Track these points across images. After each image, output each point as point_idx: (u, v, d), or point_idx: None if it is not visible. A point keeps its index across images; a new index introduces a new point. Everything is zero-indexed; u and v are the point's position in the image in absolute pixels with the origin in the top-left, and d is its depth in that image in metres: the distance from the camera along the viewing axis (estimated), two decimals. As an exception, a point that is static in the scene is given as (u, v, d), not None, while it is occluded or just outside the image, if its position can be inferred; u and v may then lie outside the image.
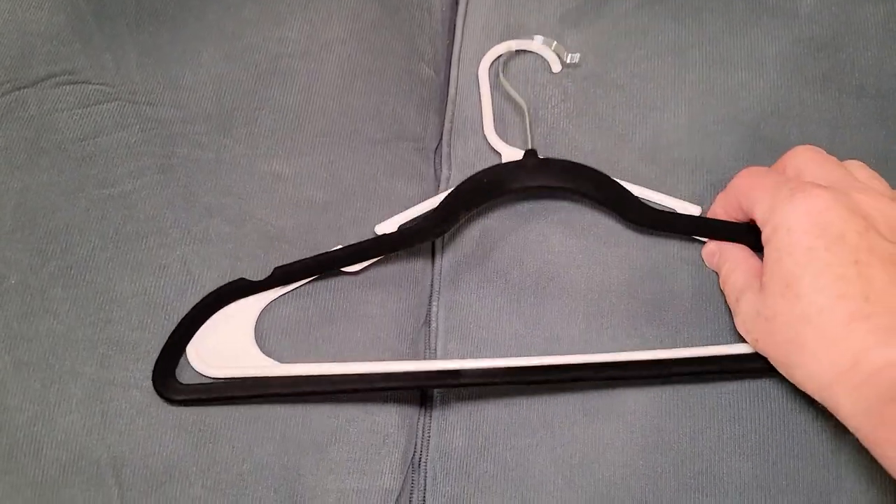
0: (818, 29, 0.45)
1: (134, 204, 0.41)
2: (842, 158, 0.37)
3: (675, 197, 0.41)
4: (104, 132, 0.43)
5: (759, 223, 0.35)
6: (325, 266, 0.40)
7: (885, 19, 0.45)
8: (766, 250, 0.34)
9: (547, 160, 0.41)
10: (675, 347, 0.38)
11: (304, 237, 0.42)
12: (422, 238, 0.41)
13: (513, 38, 0.48)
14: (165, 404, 0.38)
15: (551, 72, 0.46)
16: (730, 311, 0.38)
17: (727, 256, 0.38)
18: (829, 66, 0.44)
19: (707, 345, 0.38)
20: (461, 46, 0.51)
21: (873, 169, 0.36)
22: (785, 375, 0.34)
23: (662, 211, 0.40)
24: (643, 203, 0.40)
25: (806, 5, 0.45)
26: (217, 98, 0.45)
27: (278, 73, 0.46)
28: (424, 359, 0.43)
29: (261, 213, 0.42)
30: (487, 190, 0.40)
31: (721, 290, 0.39)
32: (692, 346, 0.38)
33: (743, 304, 0.35)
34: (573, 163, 0.40)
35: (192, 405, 0.38)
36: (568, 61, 0.46)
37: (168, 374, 0.38)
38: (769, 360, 0.35)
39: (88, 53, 0.45)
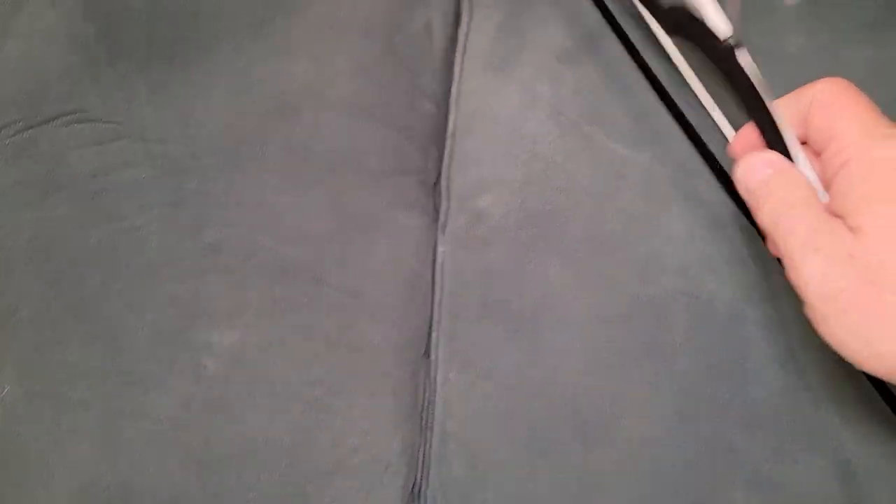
0: (806, 69, 0.46)
1: (144, 237, 0.43)
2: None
3: None
4: (115, 168, 0.44)
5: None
6: None
7: (870, 59, 0.46)
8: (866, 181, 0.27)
9: None
10: (671, 379, 0.39)
11: (310, 268, 0.43)
12: None
13: (509, 72, 0.49)
14: (174, 434, 0.39)
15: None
16: (726, 334, 0.38)
17: (788, 182, 0.29)
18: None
19: (703, 378, 0.39)
20: (460, 83, 0.53)
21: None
22: (862, 353, 0.26)
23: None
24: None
25: (794, 46, 0.47)
26: (225, 133, 0.46)
27: (285, 107, 0.47)
28: (425, 389, 0.44)
29: (268, 246, 0.43)
30: None
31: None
32: (688, 377, 0.39)
33: (825, 245, 0.26)
34: None
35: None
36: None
37: None
38: (844, 329, 0.26)
39: (100, 92, 0.46)
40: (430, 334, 0.45)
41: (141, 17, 0.49)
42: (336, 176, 0.46)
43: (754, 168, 0.29)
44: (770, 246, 0.31)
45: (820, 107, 0.29)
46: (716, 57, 0.31)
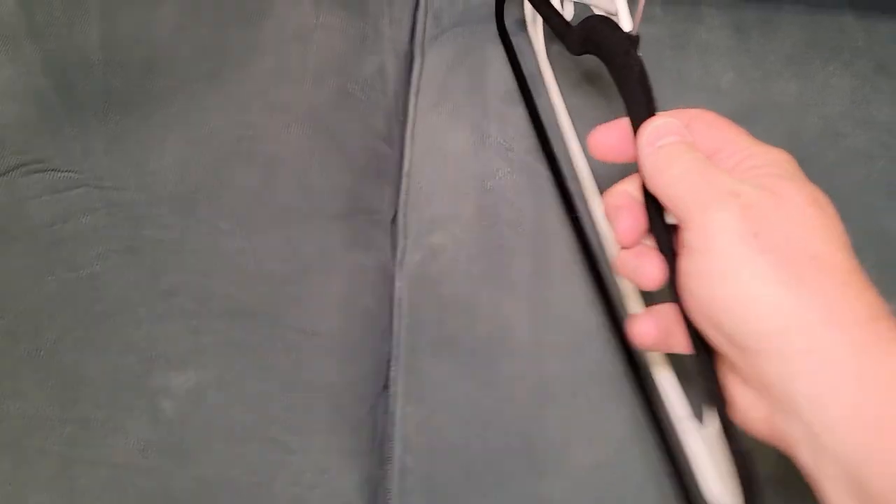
0: (738, 103, 0.49)
1: (102, 285, 0.43)
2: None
3: None
4: (72, 217, 0.45)
5: None
6: None
7: (795, 92, 0.49)
8: None
9: None
10: (619, 404, 0.41)
11: (266, 309, 0.44)
12: None
13: (460, 113, 0.51)
14: (132, 480, 0.39)
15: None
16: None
17: (691, 146, 0.29)
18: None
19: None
20: (414, 123, 0.55)
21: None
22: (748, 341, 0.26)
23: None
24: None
25: (726, 81, 0.49)
26: (181, 181, 0.47)
27: (240, 154, 0.49)
28: (383, 423, 0.45)
29: (224, 290, 0.44)
30: None
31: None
32: (636, 403, 0.41)
33: (740, 192, 0.27)
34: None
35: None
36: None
37: None
38: (752, 270, 0.25)
39: (57, 143, 0.47)
40: (388, 368, 0.46)
41: (98, 70, 0.50)
42: (291, 219, 0.47)
43: (661, 132, 0.29)
44: (671, 209, 0.29)
45: (705, 122, 0.30)
46: (618, 51, 0.33)
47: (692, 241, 0.27)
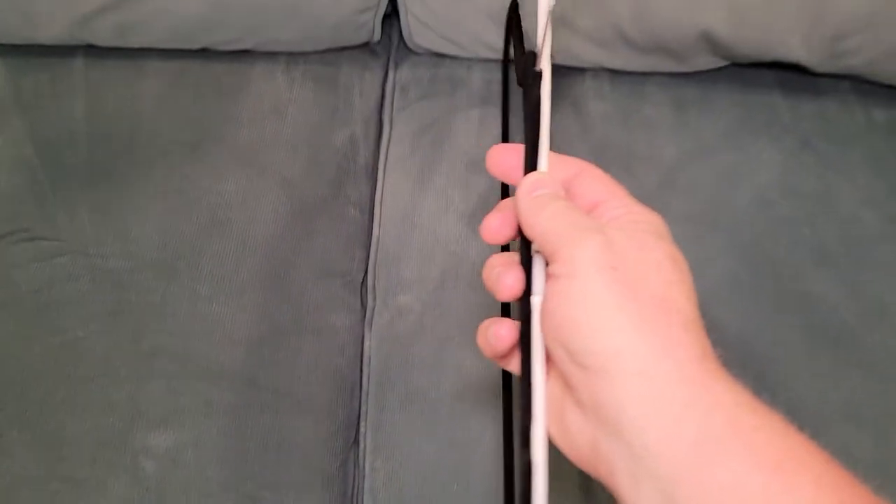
0: (680, 173, 0.53)
1: (86, 348, 0.46)
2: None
3: None
4: (58, 283, 0.48)
5: None
6: None
7: (730, 162, 0.54)
8: None
9: None
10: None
11: (242, 371, 0.47)
12: None
13: (426, 180, 0.55)
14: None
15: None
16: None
17: (559, 195, 0.32)
18: (688, 206, 0.52)
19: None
20: (382, 190, 0.58)
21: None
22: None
23: None
24: None
25: (669, 154, 0.54)
26: (163, 247, 0.50)
27: (217, 222, 0.52)
28: (354, 477, 0.47)
29: (202, 352, 0.47)
30: None
31: None
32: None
33: (600, 229, 0.30)
34: None
35: None
36: None
37: None
38: (607, 299, 0.27)
39: (44, 212, 0.50)
40: (358, 424, 0.49)
41: (83, 142, 0.54)
42: (266, 283, 0.50)
43: (537, 185, 0.32)
44: (541, 246, 0.31)
45: (592, 175, 0.33)
46: (524, 84, 0.36)
47: (558, 270, 0.29)
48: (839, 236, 0.51)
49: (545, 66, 0.34)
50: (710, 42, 0.55)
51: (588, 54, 0.58)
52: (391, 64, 0.64)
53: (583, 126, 0.56)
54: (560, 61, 0.58)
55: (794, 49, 0.55)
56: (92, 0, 0.53)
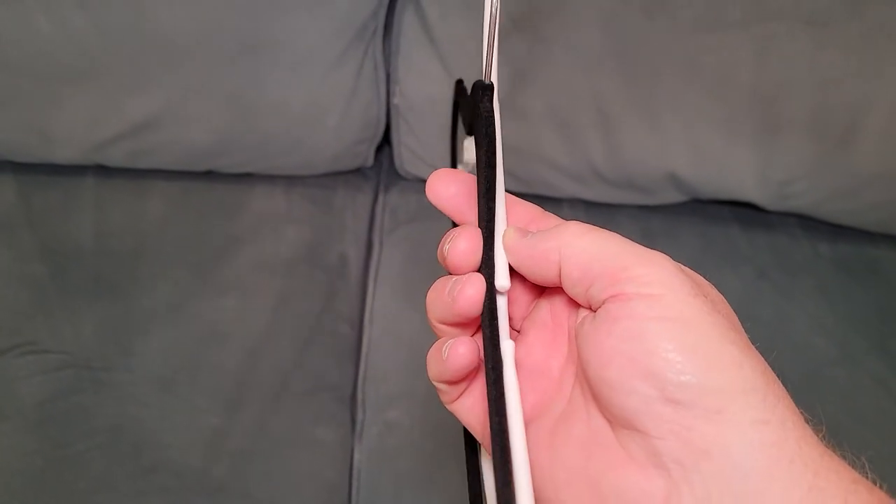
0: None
1: (87, 462, 0.47)
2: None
3: None
4: (61, 396, 0.49)
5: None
6: None
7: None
8: None
9: None
10: None
11: (238, 484, 0.48)
12: None
13: (414, 298, 0.59)
14: None
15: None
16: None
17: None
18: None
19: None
20: (372, 305, 0.62)
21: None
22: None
23: None
24: None
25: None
26: (164, 362, 0.52)
27: (216, 337, 0.54)
28: None
29: (200, 465, 0.48)
30: None
31: None
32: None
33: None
34: None
35: None
36: None
37: None
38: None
39: (49, 325, 0.52)
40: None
41: (89, 257, 0.56)
42: (262, 397, 0.53)
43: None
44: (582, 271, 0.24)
45: (546, 223, 0.28)
46: (473, 101, 0.31)
47: (626, 288, 0.23)
48: (794, 361, 0.56)
49: (494, 76, 0.30)
50: (674, 181, 0.61)
51: (566, 187, 0.64)
52: (381, 188, 0.69)
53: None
54: (541, 192, 0.64)
55: (748, 190, 0.61)
56: (109, 127, 0.57)
